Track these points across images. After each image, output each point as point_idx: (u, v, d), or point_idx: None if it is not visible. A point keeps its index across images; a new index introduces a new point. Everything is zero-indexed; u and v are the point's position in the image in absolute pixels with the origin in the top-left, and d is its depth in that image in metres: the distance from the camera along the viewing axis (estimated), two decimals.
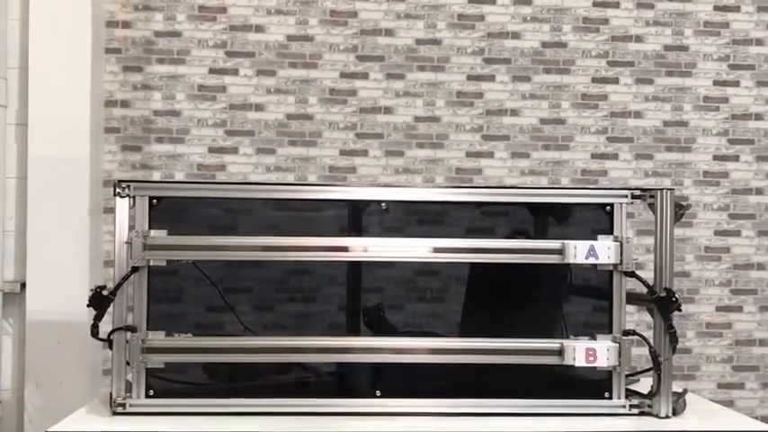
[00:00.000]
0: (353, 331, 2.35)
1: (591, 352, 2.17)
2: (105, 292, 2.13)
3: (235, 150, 4.12)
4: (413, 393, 2.20)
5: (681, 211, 2.26)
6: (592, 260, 2.22)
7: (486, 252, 2.24)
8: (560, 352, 2.17)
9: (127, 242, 2.13)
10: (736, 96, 4.32)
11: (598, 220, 2.25)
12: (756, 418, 2.85)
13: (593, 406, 2.21)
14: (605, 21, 4.28)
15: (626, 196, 2.23)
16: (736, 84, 4.32)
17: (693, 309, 4.25)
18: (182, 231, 2.18)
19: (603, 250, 2.21)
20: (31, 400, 3.75)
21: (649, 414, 2.19)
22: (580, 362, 2.17)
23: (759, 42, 4.32)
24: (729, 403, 4.09)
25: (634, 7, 4.28)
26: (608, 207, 2.24)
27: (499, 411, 2.17)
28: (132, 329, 2.13)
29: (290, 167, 4.14)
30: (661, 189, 2.21)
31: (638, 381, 2.39)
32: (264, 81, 4.14)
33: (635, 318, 3.63)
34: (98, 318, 2.15)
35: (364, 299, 2.35)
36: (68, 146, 3.79)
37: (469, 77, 4.22)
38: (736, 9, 4.32)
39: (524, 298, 2.38)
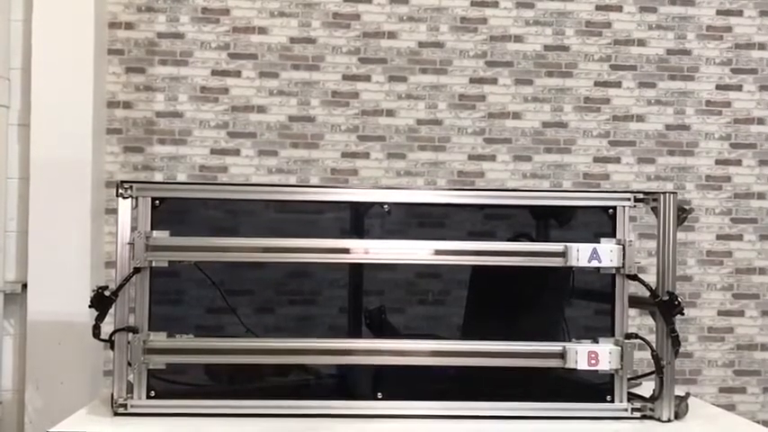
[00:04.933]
0: (355, 333, 2.35)
1: (593, 355, 2.17)
2: (107, 293, 2.13)
3: (237, 152, 4.12)
4: (414, 396, 2.20)
5: (683, 214, 2.26)
6: (594, 263, 2.22)
7: (488, 255, 2.24)
8: (563, 355, 2.17)
9: (129, 243, 2.13)
10: (738, 100, 4.32)
11: (601, 223, 2.25)
12: (758, 422, 2.84)
13: (595, 409, 2.20)
14: (608, 24, 4.28)
15: (629, 199, 2.23)
16: (739, 88, 4.32)
17: (695, 313, 4.25)
18: (184, 233, 2.18)
19: (606, 253, 2.21)
20: (32, 401, 3.74)
21: (651, 418, 2.19)
22: (582, 365, 2.16)
23: (762, 46, 4.32)
24: (731, 407, 4.09)
25: (637, 11, 4.29)
26: (611, 210, 2.23)
27: (501, 414, 2.17)
28: (134, 330, 2.13)
29: (292, 169, 4.14)
30: (664, 192, 2.21)
31: (640, 384, 2.39)
32: (267, 83, 4.14)
33: (637, 321, 3.64)
34: (100, 318, 2.15)
35: (366, 301, 2.35)
36: (70, 147, 3.79)
37: (472, 80, 4.22)
38: (739, 13, 4.32)
39: (526, 301, 2.38)
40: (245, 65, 4.14)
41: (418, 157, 4.19)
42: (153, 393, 2.14)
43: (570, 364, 2.17)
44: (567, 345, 2.19)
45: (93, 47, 3.86)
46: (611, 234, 2.23)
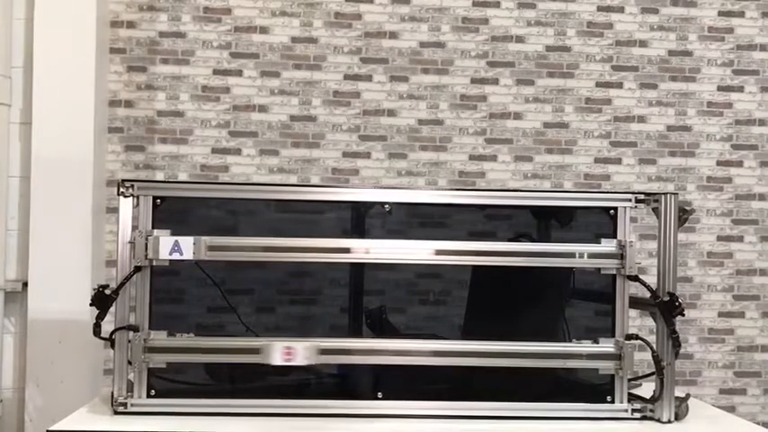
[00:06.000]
0: (356, 333, 2.35)
1: (287, 350, 2.15)
2: (108, 292, 2.13)
3: (238, 151, 4.12)
4: (414, 396, 2.20)
5: (684, 215, 2.26)
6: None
7: (488, 255, 2.24)
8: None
9: (130, 242, 2.13)
10: (740, 102, 4.31)
11: (601, 223, 2.25)
12: (758, 423, 2.84)
13: (596, 410, 2.20)
14: (609, 25, 4.28)
15: (630, 200, 2.23)
16: (741, 89, 4.31)
17: (696, 314, 4.25)
18: (185, 231, 2.18)
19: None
20: (32, 399, 3.74)
21: (651, 419, 2.19)
22: (277, 360, 2.14)
23: (763, 48, 4.32)
24: (731, 409, 4.08)
25: (638, 12, 4.28)
26: (612, 211, 2.23)
27: (501, 414, 2.17)
28: (134, 329, 2.13)
29: (293, 169, 4.14)
30: (665, 193, 2.21)
31: (641, 385, 2.39)
32: (268, 82, 4.14)
33: (637, 322, 3.64)
34: (100, 317, 2.15)
35: (366, 301, 2.35)
36: (72, 145, 3.79)
37: (473, 80, 4.22)
38: (741, 14, 4.31)
39: (527, 301, 2.38)
40: (247, 64, 4.14)
41: (419, 157, 4.19)
42: (153, 392, 2.15)
43: (265, 360, 2.13)
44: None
45: (94, 45, 3.86)
46: (612, 234, 2.23)
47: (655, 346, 2.20)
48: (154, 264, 2.14)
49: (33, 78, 3.81)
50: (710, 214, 4.29)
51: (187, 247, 2.13)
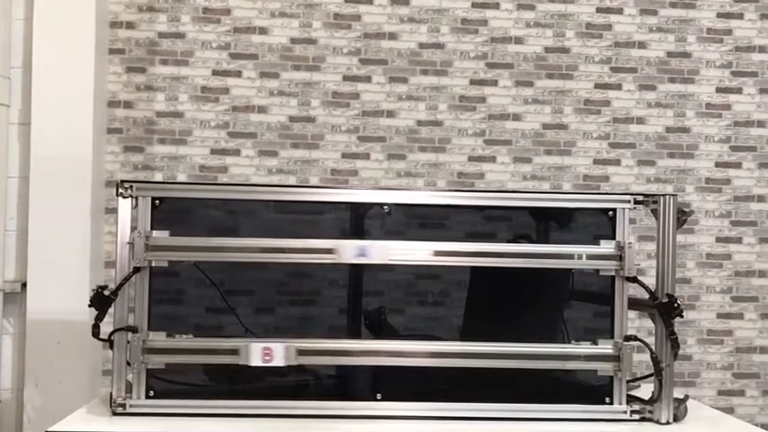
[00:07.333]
0: (354, 334, 2.35)
1: (267, 351, 2.15)
2: (107, 293, 2.13)
3: (237, 152, 4.12)
4: (413, 397, 2.20)
5: (683, 216, 2.27)
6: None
7: (487, 256, 2.24)
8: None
9: (129, 243, 2.14)
10: (738, 103, 4.32)
11: (600, 225, 2.25)
12: (756, 425, 2.84)
13: (594, 411, 2.20)
14: (608, 27, 4.28)
15: (629, 201, 2.24)
16: (739, 91, 4.32)
17: (694, 315, 4.25)
18: (184, 232, 2.18)
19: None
20: (31, 400, 3.74)
21: (650, 420, 2.19)
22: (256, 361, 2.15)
23: (762, 50, 4.32)
24: (729, 410, 4.08)
25: (637, 14, 4.29)
26: (611, 212, 2.24)
27: (499, 416, 2.17)
28: (133, 330, 2.13)
29: (292, 170, 4.14)
30: (664, 195, 2.22)
31: (639, 387, 2.39)
32: (267, 83, 4.14)
33: (636, 324, 3.64)
34: (99, 318, 2.15)
35: (365, 302, 2.35)
36: (71, 146, 3.79)
37: (472, 82, 4.22)
38: (740, 16, 4.32)
39: (526, 303, 2.38)
40: (246, 65, 4.14)
41: (418, 158, 4.19)
42: (152, 393, 2.15)
43: (243, 361, 2.14)
44: None
45: (93, 46, 3.85)
46: (611, 236, 2.23)
47: (653, 347, 2.20)
48: (153, 265, 2.14)
49: (32, 79, 3.81)
50: (709, 216, 4.30)
51: None
